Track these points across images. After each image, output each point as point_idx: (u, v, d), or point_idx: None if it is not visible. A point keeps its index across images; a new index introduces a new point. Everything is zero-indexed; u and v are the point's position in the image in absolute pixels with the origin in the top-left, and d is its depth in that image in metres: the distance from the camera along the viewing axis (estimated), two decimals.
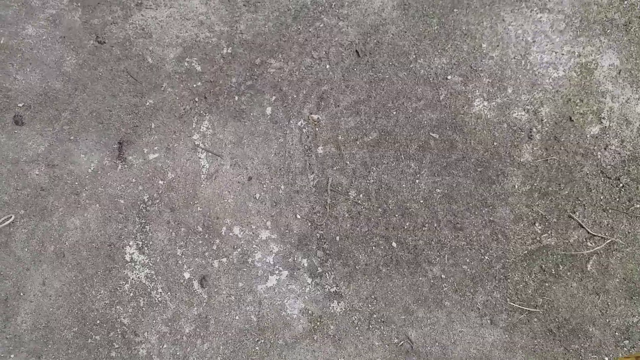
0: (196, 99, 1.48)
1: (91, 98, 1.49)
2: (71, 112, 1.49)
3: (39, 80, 1.50)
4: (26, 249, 1.43)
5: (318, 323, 1.38)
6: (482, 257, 1.37)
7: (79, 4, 1.54)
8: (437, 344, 1.35)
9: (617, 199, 1.36)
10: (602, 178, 1.37)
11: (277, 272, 1.39)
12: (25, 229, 1.43)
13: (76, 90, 1.50)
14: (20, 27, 1.51)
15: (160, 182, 1.45)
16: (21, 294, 1.42)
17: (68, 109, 1.49)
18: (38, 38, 1.52)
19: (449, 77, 1.43)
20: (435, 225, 1.38)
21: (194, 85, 1.49)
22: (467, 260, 1.37)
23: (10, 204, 1.44)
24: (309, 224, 1.41)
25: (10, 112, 1.48)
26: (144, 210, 1.44)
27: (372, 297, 1.38)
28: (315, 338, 1.37)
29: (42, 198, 1.45)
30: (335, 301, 1.38)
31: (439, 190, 1.39)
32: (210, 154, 1.46)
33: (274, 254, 1.40)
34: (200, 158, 1.46)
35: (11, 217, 1.43)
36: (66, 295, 1.42)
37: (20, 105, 1.48)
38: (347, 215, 1.40)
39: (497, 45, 1.43)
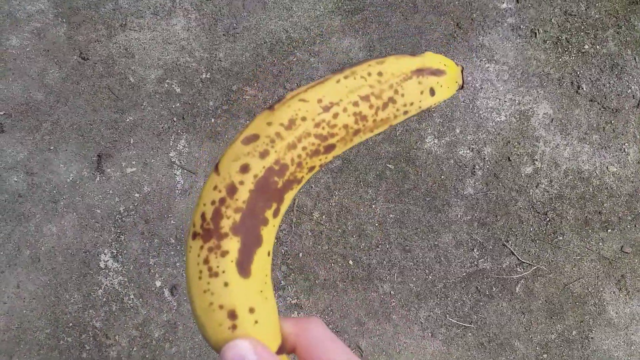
0: (174, 119, 1.59)
1: (72, 111, 1.58)
2: (52, 123, 1.57)
3: (20, 90, 1.57)
4: (1, 253, 1.49)
5: None
6: (427, 277, 1.54)
7: (64, 20, 1.62)
8: (384, 353, 1.51)
9: (544, 231, 1.57)
10: (533, 212, 1.57)
11: None
12: (2, 233, 1.50)
13: (58, 102, 1.58)
14: (4, 38, 1.58)
15: (137, 194, 1.55)
16: None
17: (49, 120, 1.57)
18: (22, 49, 1.59)
19: None
20: (388, 246, 1.55)
21: (173, 106, 1.59)
22: (414, 279, 1.54)
23: None
24: (275, 241, 1.54)
25: None
26: (119, 221, 1.53)
27: (329, 309, 1.52)
28: None
29: (20, 204, 1.52)
30: (295, 312, 1.52)
31: (392, 216, 1.56)
32: (185, 170, 1.57)
33: None
34: (175, 174, 1.57)
35: None
36: (40, 298, 1.49)
37: (1, 113, 1.55)
38: (310, 234, 1.55)
39: None
